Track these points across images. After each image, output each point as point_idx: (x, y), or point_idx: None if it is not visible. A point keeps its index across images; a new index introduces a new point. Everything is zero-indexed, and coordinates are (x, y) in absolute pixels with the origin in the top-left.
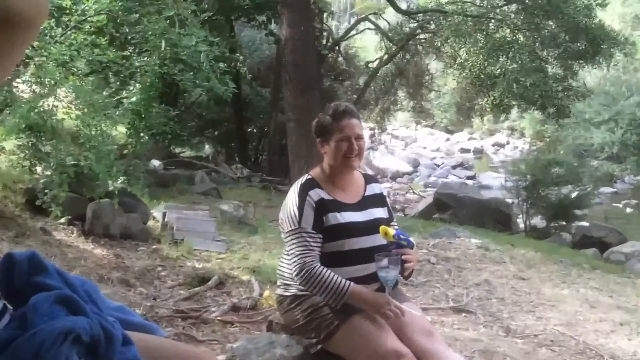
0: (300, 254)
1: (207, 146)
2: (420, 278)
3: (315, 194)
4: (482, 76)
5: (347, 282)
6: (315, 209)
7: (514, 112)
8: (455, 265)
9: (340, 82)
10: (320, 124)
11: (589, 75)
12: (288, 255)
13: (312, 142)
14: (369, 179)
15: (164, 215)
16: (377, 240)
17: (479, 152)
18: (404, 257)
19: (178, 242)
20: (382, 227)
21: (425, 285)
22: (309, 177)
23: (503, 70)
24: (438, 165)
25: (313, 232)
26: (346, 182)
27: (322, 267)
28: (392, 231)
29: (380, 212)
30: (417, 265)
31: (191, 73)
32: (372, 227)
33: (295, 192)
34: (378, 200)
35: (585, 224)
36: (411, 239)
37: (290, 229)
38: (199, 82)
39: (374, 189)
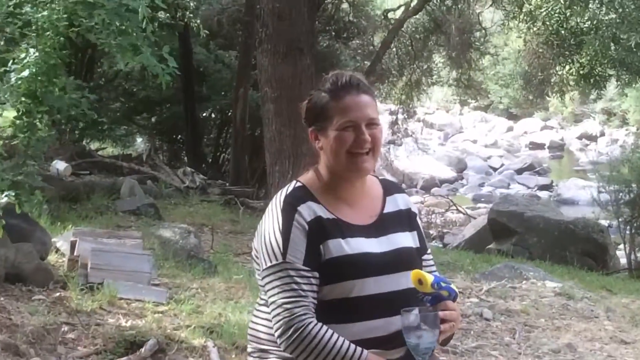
0: (285, 304)
1: (139, 140)
2: (468, 342)
3: (309, 211)
4: (563, 32)
5: (360, 349)
6: (309, 233)
7: (612, 88)
8: (521, 321)
9: (345, 41)
10: (314, 104)
11: None
12: (267, 305)
13: (301, 133)
14: (390, 188)
15: (72, 245)
16: (403, 281)
17: (559, 149)
18: (443, 313)
19: (94, 287)
20: (415, 272)
21: (476, 354)
22: (299, 184)
23: (595, 22)
24: (495, 169)
25: (305, 268)
26: (355, 193)
27: (319, 324)
28: (430, 278)
29: (406, 239)
30: (462, 323)
31: (112, 29)
32: (394, 261)
33: (276, 207)
34: (404, 220)
35: None
36: (453, 286)
37: (269, 264)
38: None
39: (397, 202)
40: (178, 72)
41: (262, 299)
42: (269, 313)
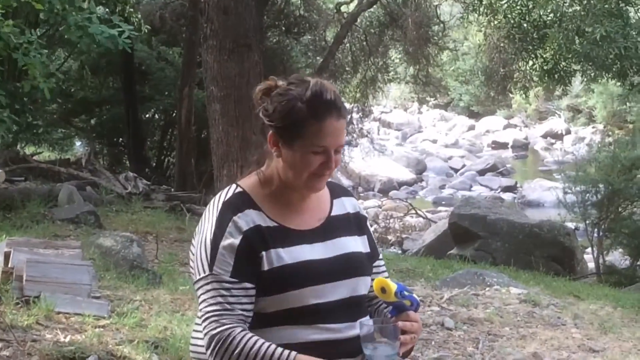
0: (210, 317)
1: (77, 143)
2: (429, 353)
3: (246, 219)
4: (526, 25)
5: (287, 351)
6: (241, 244)
7: (577, 84)
8: (485, 330)
9: (296, 37)
10: (289, 112)
11: None
12: (200, 318)
13: (249, 133)
14: (337, 191)
15: (6, 257)
16: (353, 288)
17: (523, 148)
18: (403, 324)
19: (30, 301)
20: (378, 280)
21: None
22: (239, 190)
23: (558, 14)
24: (456, 170)
25: (233, 280)
26: (302, 199)
27: (244, 333)
28: (393, 286)
29: (355, 243)
30: (423, 333)
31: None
32: (343, 267)
33: (212, 215)
34: (352, 224)
35: None
36: (415, 295)
37: (198, 276)
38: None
39: (345, 206)
40: (118, 69)
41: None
42: (201, 327)
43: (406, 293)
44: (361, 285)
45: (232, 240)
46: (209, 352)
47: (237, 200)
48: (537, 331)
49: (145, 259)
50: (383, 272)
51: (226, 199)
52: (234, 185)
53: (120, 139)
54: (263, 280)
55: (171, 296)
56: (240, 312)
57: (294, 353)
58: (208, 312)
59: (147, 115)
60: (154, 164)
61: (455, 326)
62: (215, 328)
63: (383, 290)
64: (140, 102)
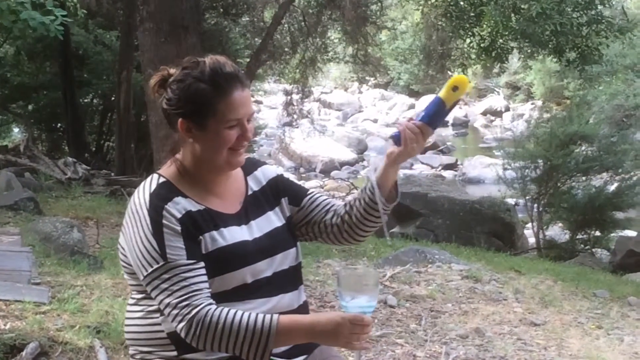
0: (180, 302)
1: (15, 129)
2: (372, 331)
3: (177, 207)
4: (462, 3)
5: (269, 315)
6: (182, 229)
7: (515, 61)
8: (427, 307)
9: (234, 18)
10: (192, 95)
11: None
12: (164, 311)
13: None
14: (248, 167)
15: None
16: (280, 262)
17: (463, 126)
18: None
19: None
20: (459, 78)
21: (381, 342)
22: (162, 180)
23: None
24: None
25: (191, 261)
26: (220, 183)
27: (220, 307)
28: (466, 87)
29: (273, 218)
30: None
31: None
32: (268, 246)
33: (141, 209)
34: (268, 196)
35: (631, 233)
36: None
37: (150, 270)
38: None
39: (258, 179)
40: (56, 54)
41: (132, 299)
42: (168, 318)
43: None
44: (285, 260)
45: (173, 226)
46: (190, 337)
47: (163, 190)
48: (479, 306)
49: (86, 245)
50: (321, 194)
51: (152, 190)
52: (155, 175)
53: (59, 124)
54: (205, 262)
55: (112, 281)
56: (206, 290)
57: (275, 315)
58: (175, 299)
59: (86, 100)
60: (94, 149)
61: (397, 304)
62: (190, 312)
63: (455, 89)
64: (78, 86)
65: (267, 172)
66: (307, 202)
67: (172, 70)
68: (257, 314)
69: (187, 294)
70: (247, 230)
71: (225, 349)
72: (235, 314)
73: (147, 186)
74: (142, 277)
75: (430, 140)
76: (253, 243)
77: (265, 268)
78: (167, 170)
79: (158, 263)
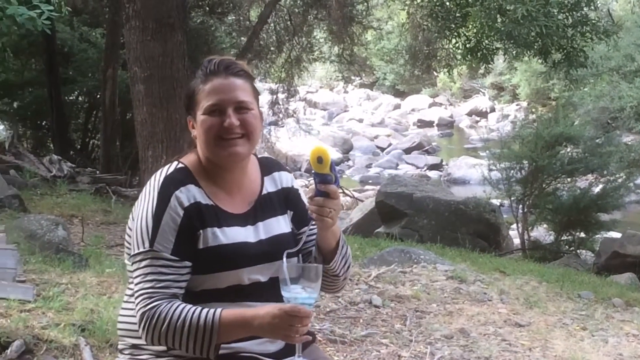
0: (145, 294)
1: (0, 127)
2: (357, 331)
3: (187, 195)
4: (448, 3)
5: (213, 309)
6: (183, 221)
7: (500, 62)
8: (412, 307)
9: (220, 17)
10: (186, 91)
11: (615, 1)
12: (135, 295)
13: (174, 114)
14: (268, 167)
15: None
16: (278, 269)
17: (448, 126)
18: (333, 191)
19: None
20: (317, 149)
21: (366, 342)
22: (181, 166)
23: None
24: (382, 149)
25: (173, 258)
26: (231, 180)
27: (170, 304)
28: (330, 157)
29: (282, 224)
30: (350, 311)
31: None
32: (270, 250)
33: (153, 189)
34: (281, 201)
35: (615, 234)
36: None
37: (137, 250)
38: None
39: (276, 182)
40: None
41: (130, 289)
42: (134, 305)
43: (335, 167)
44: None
45: (174, 215)
46: (140, 329)
47: (179, 175)
48: (464, 307)
49: (71, 242)
50: (314, 236)
51: (168, 173)
52: (175, 162)
53: (44, 121)
54: (198, 258)
55: (98, 279)
56: (175, 289)
57: (219, 310)
58: (141, 288)
59: (71, 98)
60: (79, 147)
61: (382, 304)
62: (145, 305)
63: (320, 160)
64: (63, 84)
65: (285, 178)
66: (304, 232)
67: None
68: (201, 310)
69: (152, 289)
70: (252, 231)
71: (172, 345)
72: (182, 310)
73: (166, 169)
74: (131, 254)
75: (416, 140)
76: (255, 245)
77: (263, 272)
78: (188, 157)
79: (144, 247)
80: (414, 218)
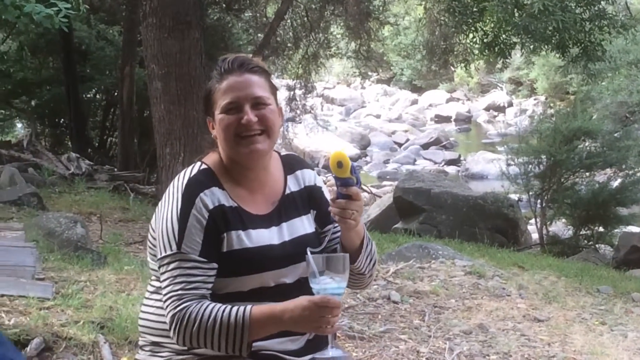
0: (174, 296)
1: (18, 125)
2: (376, 327)
3: (212, 197)
4: None
5: (243, 307)
6: (208, 222)
7: (518, 56)
8: (431, 303)
9: (237, 13)
10: (204, 92)
11: None
12: (159, 293)
13: (192, 112)
14: (291, 165)
15: None
16: (304, 270)
17: (466, 121)
18: (351, 192)
19: None
20: (337, 154)
21: (384, 338)
22: (204, 167)
23: None
24: (400, 145)
25: (202, 260)
26: (254, 179)
27: (199, 305)
28: (349, 162)
29: (305, 224)
30: (369, 307)
31: None
32: (294, 252)
33: (177, 191)
34: (305, 200)
35: (634, 229)
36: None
37: (164, 253)
38: None
39: (299, 180)
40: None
41: (152, 286)
42: (161, 301)
43: (356, 169)
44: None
45: (200, 217)
46: (171, 331)
47: (203, 177)
48: (483, 302)
49: (89, 240)
50: (338, 233)
51: (192, 175)
52: (198, 163)
53: (62, 119)
54: (222, 261)
55: (116, 276)
56: (204, 290)
57: (249, 307)
58: (171, 291)
59: (89, 95)
60: (97, 144)
61: (401, 299)
62: (175, 307)
63: (340, 164)
64: (81, 81)
65: (308, 176)
66: (329, 231)
67: None
68: (231, 308)
69: (181, 290)
70: (276, 232)
71: (204, 345)
72: (212, 310)
73: (189, 170)
74: (157, 258)
75: (433, 136)
76: (279, 248)
77: (288, 274)
78: (211, 158)
79: (172, 250)
80: (432, 213)
